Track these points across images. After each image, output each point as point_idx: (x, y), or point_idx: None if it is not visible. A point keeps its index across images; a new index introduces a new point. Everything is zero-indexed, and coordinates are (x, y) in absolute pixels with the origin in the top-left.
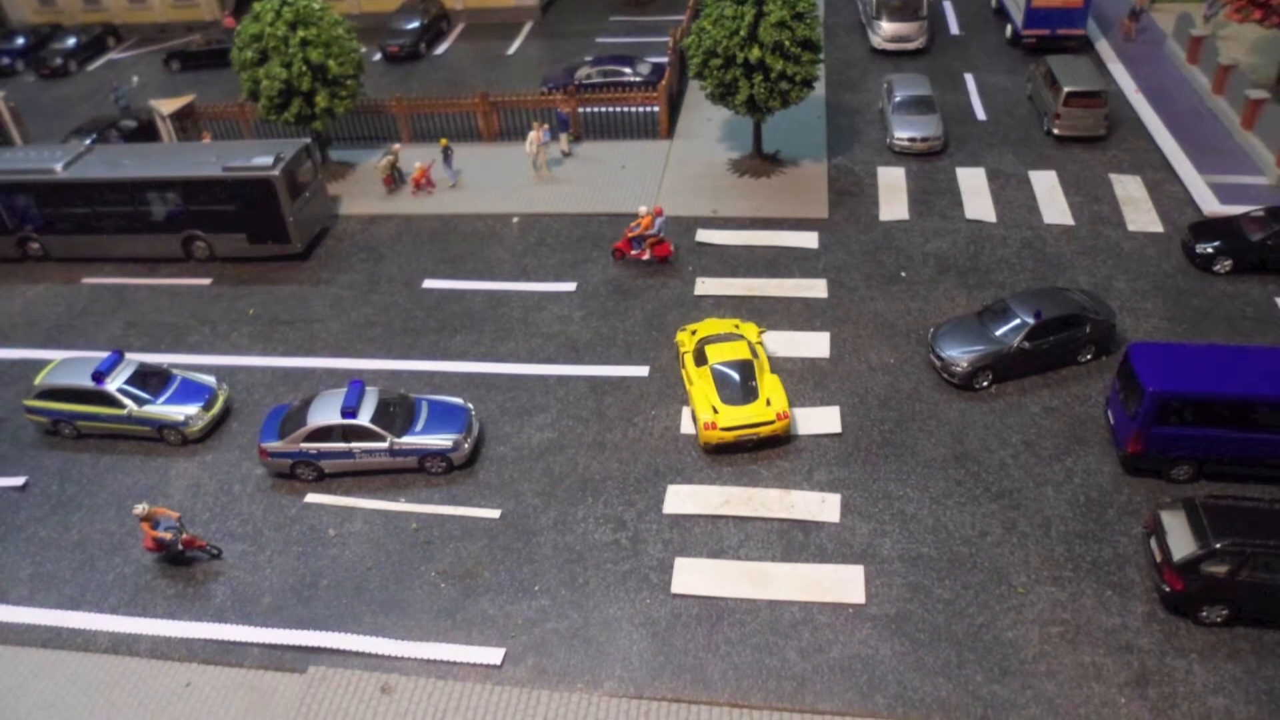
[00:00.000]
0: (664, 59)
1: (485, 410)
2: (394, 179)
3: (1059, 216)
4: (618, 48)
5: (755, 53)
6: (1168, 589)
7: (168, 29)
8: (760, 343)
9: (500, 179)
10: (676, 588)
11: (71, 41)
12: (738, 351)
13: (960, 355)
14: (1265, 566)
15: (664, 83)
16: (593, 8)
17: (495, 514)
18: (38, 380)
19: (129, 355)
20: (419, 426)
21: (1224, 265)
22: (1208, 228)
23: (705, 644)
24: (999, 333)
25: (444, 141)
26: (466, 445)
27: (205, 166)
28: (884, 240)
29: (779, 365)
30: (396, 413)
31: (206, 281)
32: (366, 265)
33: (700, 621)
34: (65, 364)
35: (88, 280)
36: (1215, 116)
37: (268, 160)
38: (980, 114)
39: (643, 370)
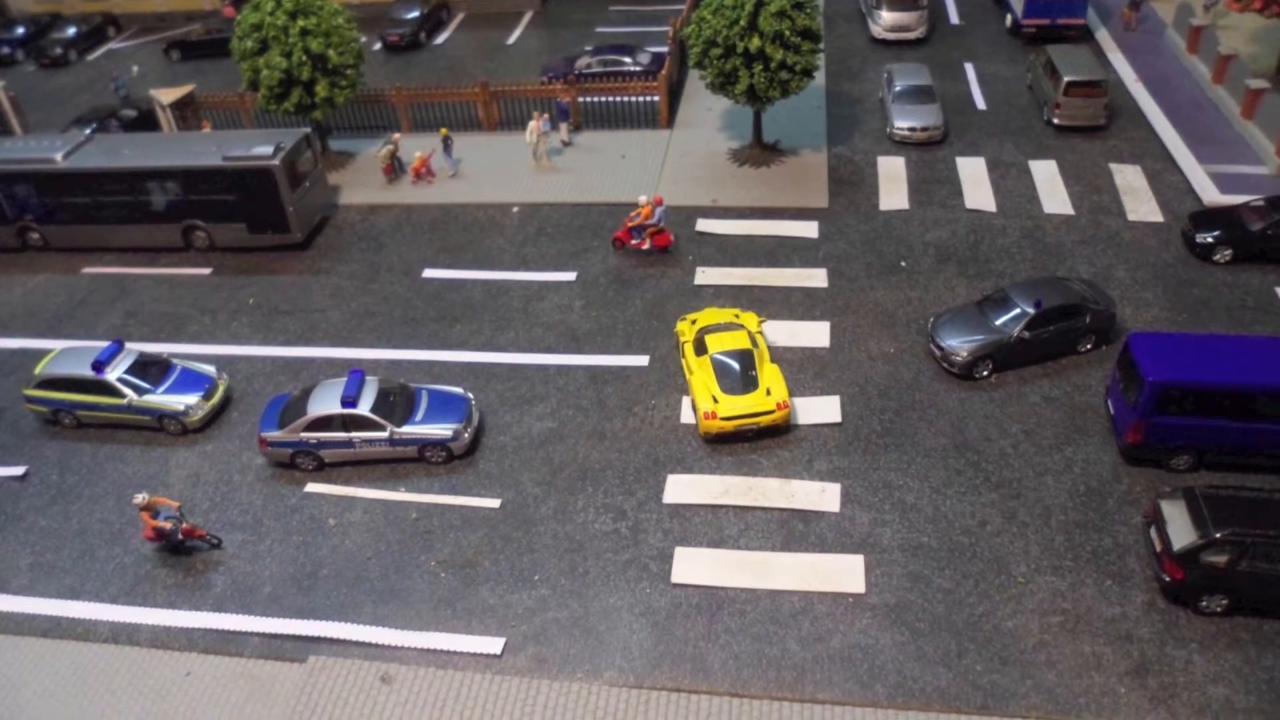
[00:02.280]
0: (664, 48)
1: (485, 400)
2: (394, 168)
3: (1059, 206)
4: (618, 37)
5: (755, 42)
6: (1168, 578)
7: (167, 19)
8: (760, 332)
9: (500, 168)
10: (676, 577)
11: (71, 31)
12: (738, 341)
13: (960, 345)
14: (1265, 556)
15: (664, 72)
16: None
17: (495, 503)
18: (38, 370)
19: (129, 345)
20: (419, 416)
21: (1224, 255)
22: (1207, 217)
23: (705, 633)
24: (999, 322)
25: (444, 131)
26: (466, 435)
27: (205, 156)
28: (884, 230)
29: (779, 355)
30: (396, 402)
31: (206, 271)
32: (366, 255)
33: (700, 611)
34: (65, 353)
35: (88, 270)
36: (1215, 106)
37: (268, 150)
38: (980, 103)
39: (643, 360)
